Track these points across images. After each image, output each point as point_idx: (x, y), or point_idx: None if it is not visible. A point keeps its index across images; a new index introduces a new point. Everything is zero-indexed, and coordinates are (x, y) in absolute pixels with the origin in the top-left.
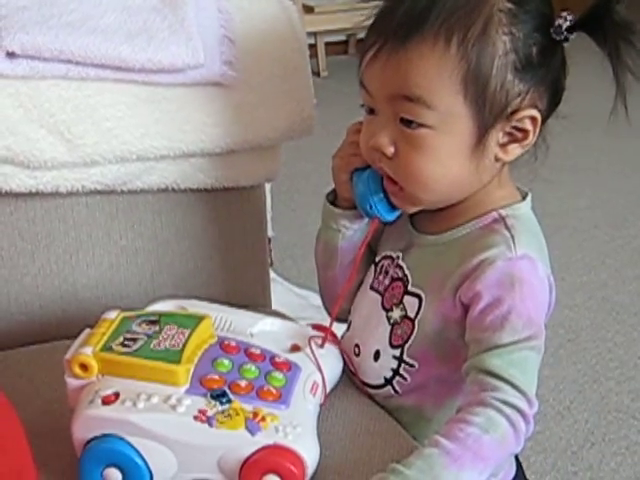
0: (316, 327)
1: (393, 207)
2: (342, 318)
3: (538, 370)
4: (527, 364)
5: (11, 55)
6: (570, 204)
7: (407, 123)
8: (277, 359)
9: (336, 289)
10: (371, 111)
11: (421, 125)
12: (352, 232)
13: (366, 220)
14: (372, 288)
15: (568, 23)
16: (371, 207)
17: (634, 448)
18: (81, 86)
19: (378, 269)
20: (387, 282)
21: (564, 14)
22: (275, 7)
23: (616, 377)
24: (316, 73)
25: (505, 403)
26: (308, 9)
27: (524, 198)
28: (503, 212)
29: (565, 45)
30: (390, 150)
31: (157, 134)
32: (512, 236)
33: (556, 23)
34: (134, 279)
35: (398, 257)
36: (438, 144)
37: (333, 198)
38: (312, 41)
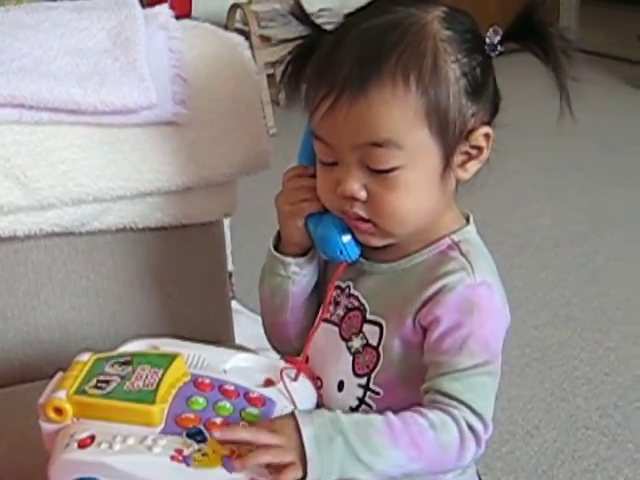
0: (289, 360)
1: (359, 246)
2: (293, 354)
3: (496, 393)
4: (484, 389)
5: None
6: (532, 223)
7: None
8: (251, 394)
9: (287, 331)
10: (330, 163)
11: (393, 168)
12: (302, 276)
13: (316, 261)
14: (325, 320)
15: (499, 37)
16: (341, 252)
17: (604, 464)
18: (35, 130)
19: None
20: (342, 312)
21: (493, 29)
22: (226, 45)
23: (583, 394)
24: (276, 102)
25: (464, 419)
26: (265, 39)
27: (467, 220)
28: (455, 238)
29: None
30: (363, 195)
31: (113, 175)
32: (469, 262)
33: (488, 41)
34: (96, 319)
35: (349, 287)
36: (411, 180)
37: (277, 244)
38: (271, 71)
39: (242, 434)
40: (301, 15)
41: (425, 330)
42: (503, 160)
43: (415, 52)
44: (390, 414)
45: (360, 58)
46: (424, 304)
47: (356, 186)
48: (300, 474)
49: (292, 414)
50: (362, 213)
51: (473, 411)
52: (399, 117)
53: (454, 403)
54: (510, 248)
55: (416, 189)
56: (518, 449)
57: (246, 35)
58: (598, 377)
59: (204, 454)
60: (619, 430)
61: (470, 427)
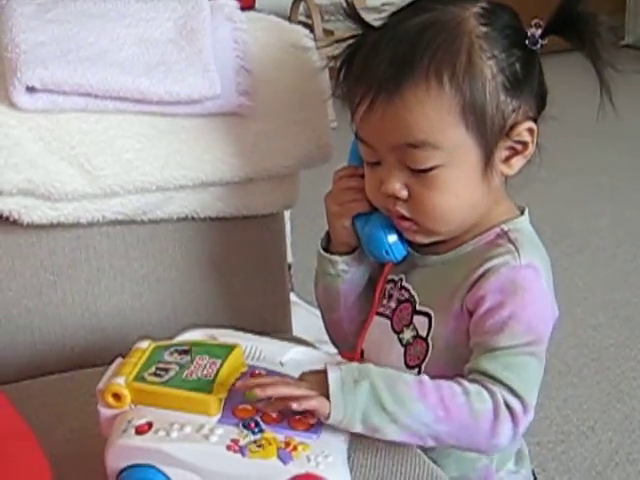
0: (345, 355)
1: (405, 246)
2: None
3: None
4: (525, 369)
5: (31, 89)
6: (592, 223)
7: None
8: None
9: (343, 328)
10: (373, 162)
11: (432, 167)
12: (351, 274)
13: (365, 259)
14: (378, 313)
15: (540, 31)
16: (387, 252)
17: None
18: (100, 119)
19: (382, 295)
20: (393, 305)
21: (534, 22)
22: (291, 38)
23: None
24: (338, 95)
25: (501, 395)
26: (328, 33)
27: (522, 213)
28: (505, 227)
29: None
30: (404, 194)
31: (176, 164)
32: (516, 248)
33: (529, 34)
34: (156, 307)
35: (401, 279)
36: (451, 179)
37: (327, 244)
38: (333, 64)
39: (264, 379)
40: (352, 13)
41: (472, 313)
42: (565, 159)
43: (449, 50)
44: (424, 376)
45: (395, 59)
46: (471, 288)
47: (397, 185)
48: (324, 409)
49: (324, 370)
50: (404, 212)
51: (511, 390)
52: (434, 117)
53: (492, 381)
54: (569, 247)
55: (457, 187)
56: (572, 449)
57: (309, 28)
58: None
59: (260, 445)
60: None
61: (506, 403)
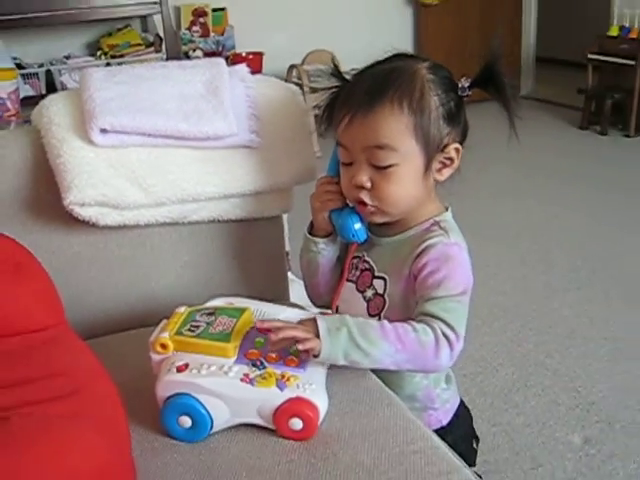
0: (324, 313)
1: (366, 231)
2: (326, 306)
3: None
4: (456, 310)
5: (104, 131)
6: (500, 222)
7: (379, 166)
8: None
9: (319, 289)
10: (348, 163)
11: (390, 165)
12: (327, 251)
13: (337, 241)
14: (348, 280)
15: (467, 84)
16: (353, 235)
17: (547, 391)
18: (152, 151)
19: (351, 266)
20: (358, 273)
21: (463, 78)
22: (286, 92)
23: (534, 341)
24: (320, 134)
25: (439, 328)
26: (313, 90)
27: (447, 209)
28: (437, 219)
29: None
30: (368, 185)
31: (206, 182)
32: (446, 232)
33: (460, 85)
34: (193, 283)
35: (363, 255)
36: (402, 175)
37: (310, 229)
38: (317, 111)
39: (277, 323)
40: (337, 73)
41: (416, 277)
42: (483, 179)
43: (408, 87)
44: (385, 321)
45: (369, 90)
46: (416, 258)
47: (364, 178)
48: (318, 347)
49: (313, 318)
50: (367, 199)
51: (446, 324)
52: (394, 129)
53: (433, 319)
54: (484, 238)
55: (405, 182)
56: (487, 379)
57: (300, 86)
58: (544, 329)
59: (264, 378)
60: (558, 367)
61: (444, 334)
